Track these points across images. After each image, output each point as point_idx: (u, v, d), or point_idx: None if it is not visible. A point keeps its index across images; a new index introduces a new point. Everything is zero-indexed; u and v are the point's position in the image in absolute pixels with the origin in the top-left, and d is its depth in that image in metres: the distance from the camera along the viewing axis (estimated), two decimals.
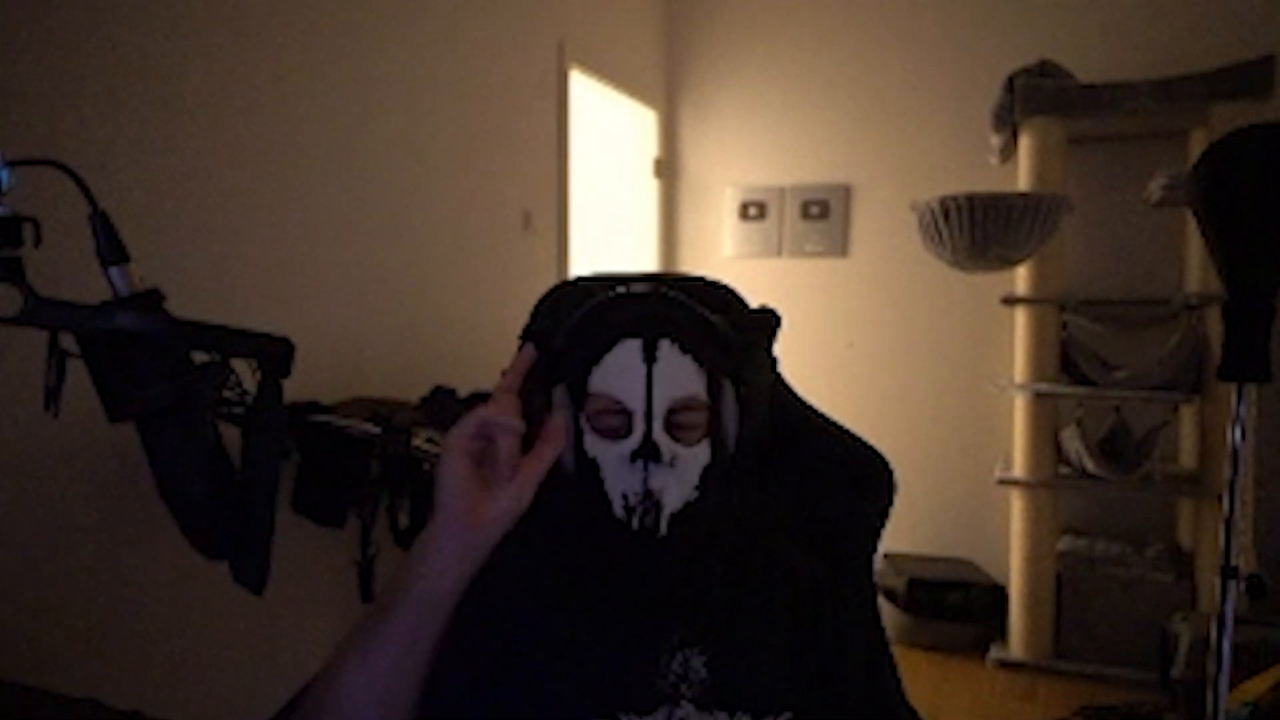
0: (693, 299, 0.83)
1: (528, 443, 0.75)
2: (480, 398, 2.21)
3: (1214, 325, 2.90)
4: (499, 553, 0.73)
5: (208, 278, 1.68)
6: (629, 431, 0.76)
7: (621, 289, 0.83)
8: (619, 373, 0.77)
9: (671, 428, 0.77)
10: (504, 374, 0.78)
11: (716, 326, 0.81)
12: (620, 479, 0.76)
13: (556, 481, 0.78)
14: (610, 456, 0.77)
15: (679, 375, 0.77)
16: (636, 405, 0.76)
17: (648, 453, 0.75)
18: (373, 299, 2.14)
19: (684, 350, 0.77)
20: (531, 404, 0.78)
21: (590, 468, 0.78)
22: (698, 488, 0.77)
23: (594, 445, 0.78)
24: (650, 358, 0.76)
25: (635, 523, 0.76)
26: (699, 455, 0.78)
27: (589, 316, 0.81)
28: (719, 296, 0.92)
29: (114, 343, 0.98)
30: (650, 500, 0.76)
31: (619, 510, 0.76)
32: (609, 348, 0.77)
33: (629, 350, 0.77)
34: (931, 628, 3.35)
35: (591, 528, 0.79)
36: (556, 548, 0.83)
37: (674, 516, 0.76)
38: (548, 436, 0.74)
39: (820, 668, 0.82)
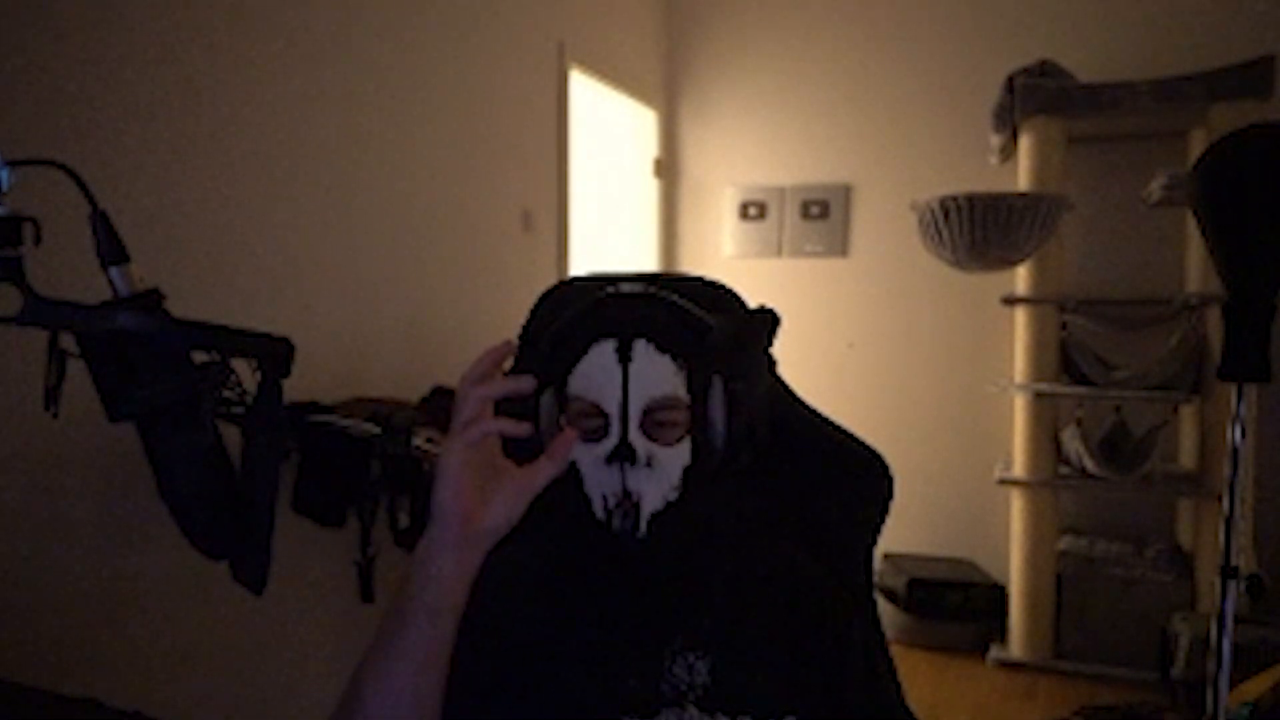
0: (686, 299, 0.82)
1: (521, 447, 0.75)
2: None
3: (1214, 325, 2.90)
4: (494, 556, 0.73)
5: (208, 278, 1.68)
6: (607, 433, 0.76)
7: (611, 289, 0.83)
8: (594, 375, 0.77)
9: (649, 428, 0.76)
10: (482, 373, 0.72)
11: (702, 323, 0.81)
12: (599, 481, 0.77)
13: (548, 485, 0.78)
14: (589, 458, 0.77)
15: (655, 375, 0.76)
16: (612, 407, 0.76)
17: (623, 454, 0.75)
18: (373, 299, 2.14)
19: (661, 349, 0.77)
20: (530, 404, 0.78)
21: (572, 470, 0.78)
22: (678, 488, 0.77)
23: (575, 448, 0.78)
24: (625, 358, 0.76)
25: (615, 524, 0.76)
26: (678, 455, 0.77)
27: (572, 319, 0.81)
28: (716, 296, 0.91)
29: (114, 343, 0.98)
30: (629, 502, 0.76)
31: (599, 512, 0.77)
32: (585, 350, 0.78)
33: (604, 352, 0.77)
34: (931, 628, 3.35)
35: (577, 529, 0.79)
36: (549, 551, 0.83)
37: (654, 517, 0.76)
38: (553, 452, 0.72)
39: (821, 670, 0.82)
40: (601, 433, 0.77)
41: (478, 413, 0.70)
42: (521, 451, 0.78)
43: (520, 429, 0.71)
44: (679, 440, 0.77)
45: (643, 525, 0.76)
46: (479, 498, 0.70)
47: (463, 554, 0.70)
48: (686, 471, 0.77)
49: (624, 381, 0.76)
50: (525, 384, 0.72)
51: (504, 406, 0.74)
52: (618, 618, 0.79)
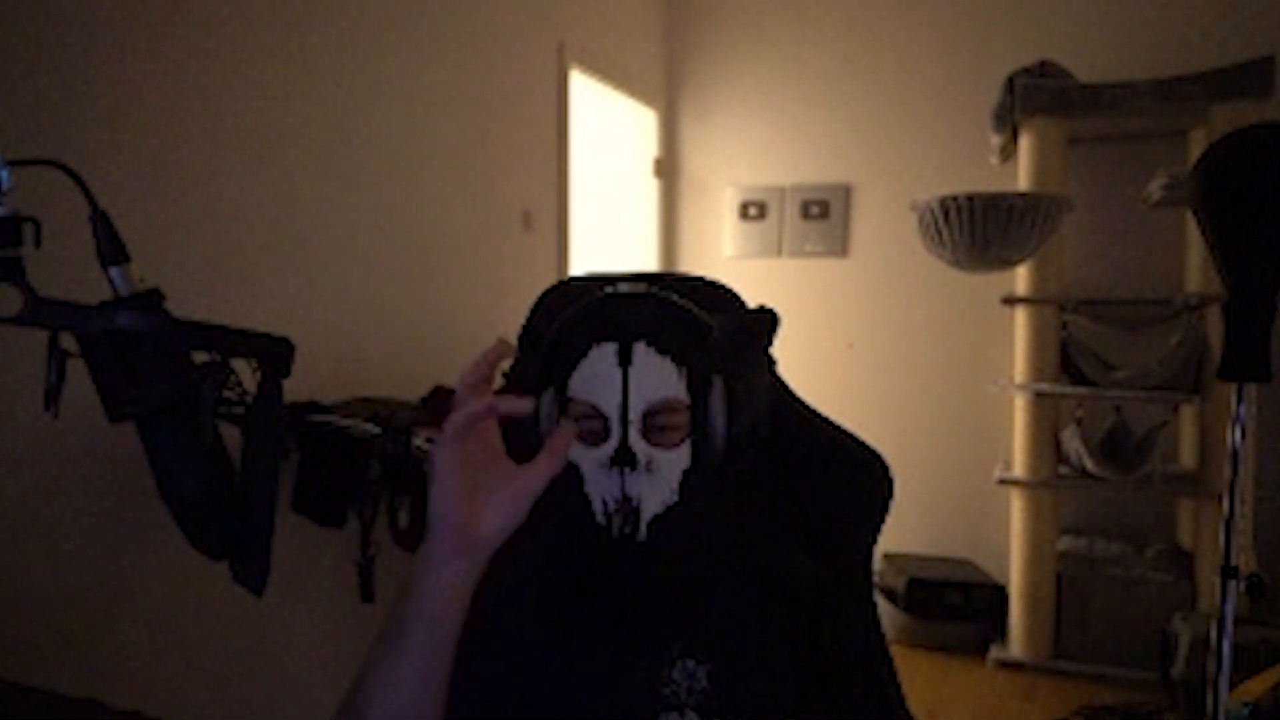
0: (686, 299, 0.82)
1: (521, 448, 0.74)
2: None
3: (1214, 325, 2.90)
4: (493, 559, 0.72)
5: (208, 278, 1.68)
6: (607, 436, 0.76)
7: (610, 289, 0.82)
8: (594, 378, 0.76)
9: (649, 431, 0.76)
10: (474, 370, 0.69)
11: (703, 324, 0.80)
12: (599, 485, 0.76)
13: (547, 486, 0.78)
14: (590, 462, 0.77)
15: (655, 378, 0.76)
16: (612, 411, 0.76)
17: (623, 459, 0.75)
18: (373, 299, 2.14)
19: (661, 351, 0.76)
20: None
21: (573, 473, 0.78)
22: (678, 491, 0.77)
23: (575, 450, 0.78)
24: (625, 361, 0.76)
25: (614, 528, 0.76)
26: (678, 458, 0.77)
27: (572, 319, 0.80)
28: (716, 296, 0.91)
29: (114, 343, 0.98)
30: (629, 506, 0.75)
31: (599, 516, 0.76)
32: (585, 352, 0.77)
33: (604, 354, 0.76)
34: (931, 628, 3.35)
35: (576, 533, 0.79)
36: (550, 553, 0.83)
37: (654, 521, 0.76)
38: (552, 449, 0.68)
39: (821, 673, 0.82)
40: (601, 436, 0.76)
41: (469, 423, 0.66)
42: (521, 455, 0.77)
43: (519, 405, 0.67)
44: (679, 443, 0.77)
45: (642, 530, 0.76)
46: (477, 502, 0.67)
47: (463, 563, 0.67)
48: (686, 474, 0.77)
49: (624, 385, 0.76)
50: (521, 404, 0.68)
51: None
52: (617, 622, 0.79)
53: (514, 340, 0.92)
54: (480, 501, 0.67)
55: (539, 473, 0.68)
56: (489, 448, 0.69)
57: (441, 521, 0.66)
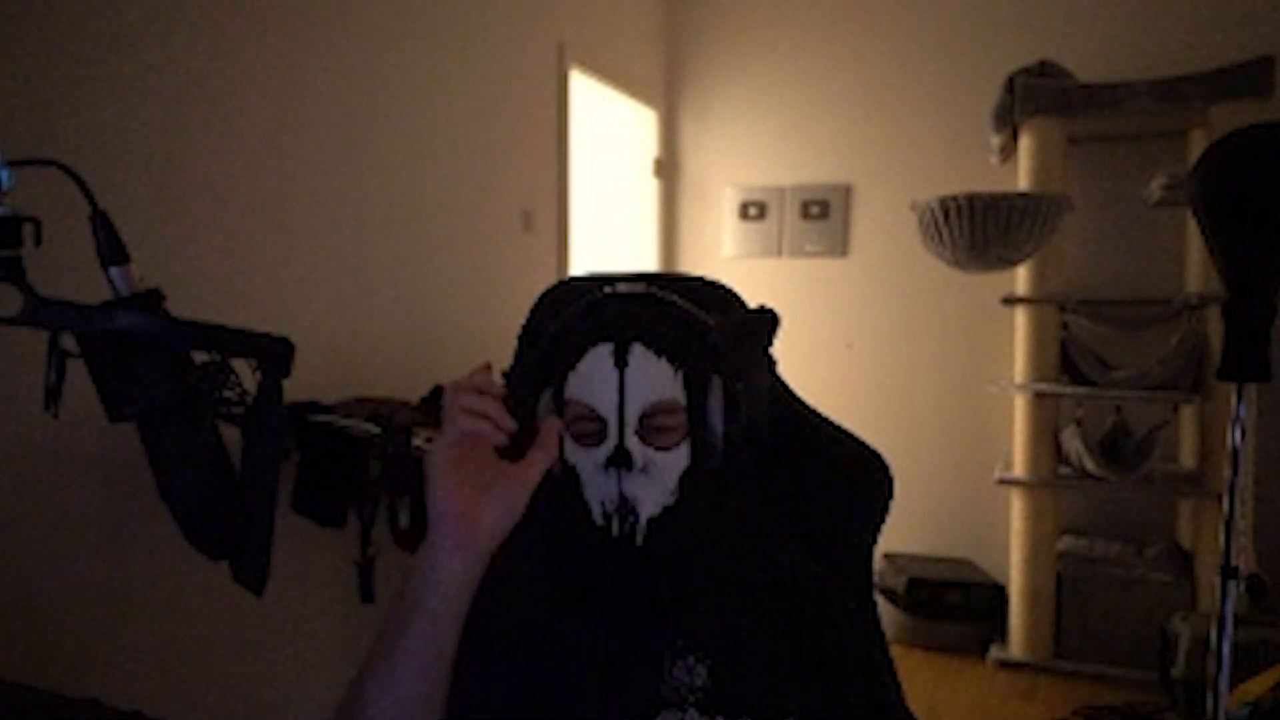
0: (686, 299, 0.82)
1: (520, 444, 0.75)
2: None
3: (1214, 325, 2.90)
4: (495, 560, 0.72)
5: (208, 278, 1.68)
6: (604, 438, 0.76)
7: (609, 289, 0.82)
8: (591, 379, 0.76)
9: (646, 433, 0.76)
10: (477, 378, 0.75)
11: (701, 325, 0.80)
12: (597, 486, 0.77)
13: (545, 487, 0.78)
14: (587, 463, 0.77)
15: (652, 379, 0.76)
16: (608, 412, 0.76)
17: (619, 460, 0.75)
18: (373, 299, 2.14)
19: (658, 353, 0.77)
20: (519, 401, 0.78)
21: (571, 474, 0.78)
22: (676, 492, 0.77)
23: (573, 452, 0.78)
24: (621, 363, 0.76)
25: (613, 530, 0.76)
26: (676, 459, 0.77)
27: (571, 320, 0.80)
28: (716, 296, 0.91)
29: (114, 343, 0.98)
30: (627, 507, 0.75)
31: (598, 517, 0.77)
32: (582, 354, 0.77)
33: (600, 356, 0.76)
34: (931, 628, 3.35)
35: (576, 534, 0.79)
36: (548, 554, 0.83)
37: (652, 522, 0.76)
38: (544, 442, 0.73)
39: (821, 671, 0.82)
40: (599, 437, 0.76)
41: (468, 438, 0.71)
42: (514, 456, 0.77)
43: (499, 437, 0.72)
44: (676, 444, 0.77)
45: (640, 531, 0.76)
46: (475, 497, 0.69)
47: (465, 556, 0.69)
48: (683, 476, 0.77)
49: (620, 386, 0.76)
50: (505, 422, 0.73)
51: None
52: (618, 620, 0.79)
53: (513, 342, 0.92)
54: (478, 499, 0.69)
55: (533, 466, 0.72)
56: (482, 449, 0.72)
57: (441, 517, 0.69)
